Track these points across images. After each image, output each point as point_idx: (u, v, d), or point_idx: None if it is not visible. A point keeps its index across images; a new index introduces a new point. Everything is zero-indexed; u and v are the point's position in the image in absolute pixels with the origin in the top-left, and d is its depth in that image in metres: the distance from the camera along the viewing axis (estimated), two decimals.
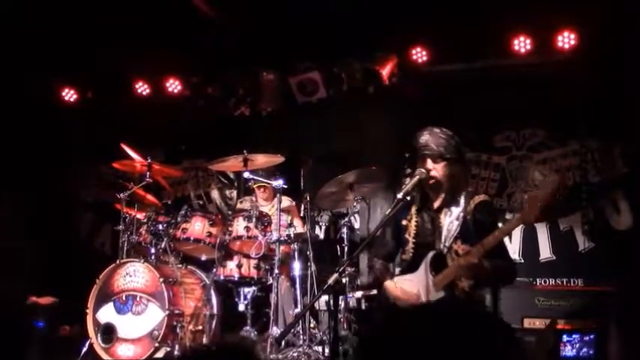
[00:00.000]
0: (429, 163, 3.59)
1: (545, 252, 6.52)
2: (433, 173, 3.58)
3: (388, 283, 3.62)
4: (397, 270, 3.70)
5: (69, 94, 7.91)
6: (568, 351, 4.94)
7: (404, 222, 3.69)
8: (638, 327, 4.95)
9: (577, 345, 4.94)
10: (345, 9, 6.44)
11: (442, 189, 3.62)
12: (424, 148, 3.61)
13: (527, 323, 5.54)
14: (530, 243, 6.52)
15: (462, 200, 3.57)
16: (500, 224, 3.65)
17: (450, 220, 3.54)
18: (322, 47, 6.86)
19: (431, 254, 3.50)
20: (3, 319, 5.79)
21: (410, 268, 3.57)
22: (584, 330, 4.96)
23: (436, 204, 3.64)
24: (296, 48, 6.94)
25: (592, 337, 4.92)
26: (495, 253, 3.34)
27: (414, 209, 3.69)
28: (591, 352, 4.88)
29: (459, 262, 3.35)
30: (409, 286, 3.51)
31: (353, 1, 6.40)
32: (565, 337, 5.01)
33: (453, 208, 3.56)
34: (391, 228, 3.78)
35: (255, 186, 6.07)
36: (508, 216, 6.54)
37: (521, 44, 6.40)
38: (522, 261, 6.52)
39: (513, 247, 6.51)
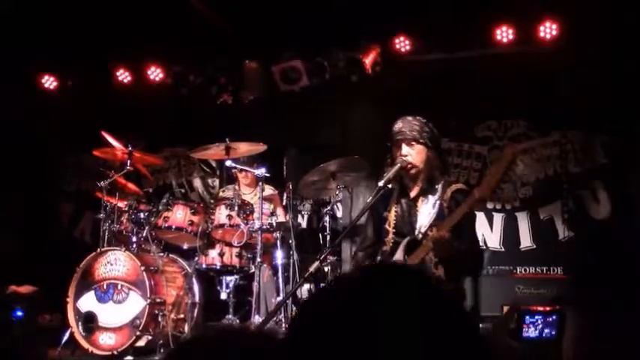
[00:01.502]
0: (404, 148, 3.63)
1: (526, 240, 6.58)
2: (408, 158, 3.61)
3: None
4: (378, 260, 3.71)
5: (48, 82, 7.81)
6: (531, 332, 5.02)
7: (385, 214, 3.72)
8: (589, 309, 5.12)
9: (540, 326, 5.04)
10: None
11: (419, 177, 3.64)
12: (398, 133, 3.67)
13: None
14: (510, 232, 6.59)
15: (440, 188, 3.61)
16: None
17: (427, 208, 3.58)
18: (305, 36, 6.83)
19: (406, 240, 3.53)
20: None
21: (389, 257, 3.60)
22: (547, 312, 5.06)
23: (413, 193, 3.67)
24: (279, 36, 6.91)
25: (554, 317, 5.02)
26: (464, 237, 3.38)
27: (393, 200, 3.71)
28: (553, 332, 4.99)
29: (432, 235, 3.38)
30: None
31: None
32: (528, 319, 5.09)
33: (430, 196, 3.61)
34: (372, 221, 3.80)
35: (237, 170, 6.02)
36: (489, 205, 6.59)
37: (504, 34, 6.42)
38: (503, 249, 6.59)
39: (494, 235, 6.57)
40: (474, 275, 3.67)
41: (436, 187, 3.62)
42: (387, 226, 3.69)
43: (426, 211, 3.57)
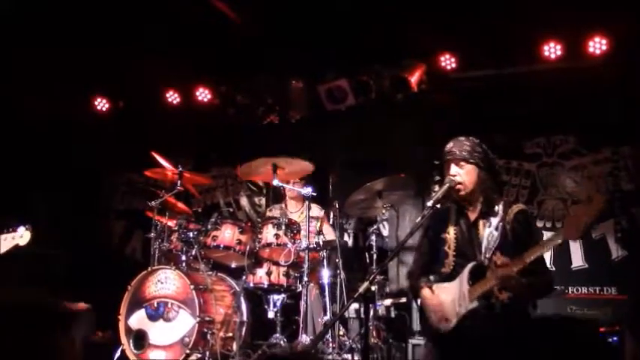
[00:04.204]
0: (453, 168, 3.58)
1: (578, 260, 6.43)
2: (457, 178, 3.56)
3: (425, 292, 3.60)
4: (433, 278, 3.66)
5: (101, 104, 8.05)
6: None
7: (442, 235, 3.66)
8: None
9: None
10: (372, 17, 6.45)
11: (475, 198, 3.59)
12: (448, 154, 3.63)
13: None
14: (562, 251, 6.44)
15: (500, 210, 3.54)
16: (544, 235, 3.61)
17: (490, 231, 3.49)
18: (351, 55, 6.87)
19: (471, 265, 3.45)
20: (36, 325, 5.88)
21: (448, 278, 3.54)
22: (608, 332, 4.96)
23: (473, 215, 3.60)
24: (324, 56, 6.97)
25: (615, 339, 4.93)
26: (534, 266, 3.30)
27: (451, 222, 3.66)
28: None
29: (497, 273, 3.31)
30: (445, 292, 3.49)
31: (381, 8, 6.41)
32: None
33: (492, 219, 3.52)
34: (427, 241, 3.75)
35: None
36: (539, 223, 6.48)
37: (552, 50, 6.35)
38: (554, 269, 6.44)
39: (545, 254, 6.43)
40: (543, 296, 3.59)
41: (496, 208, 3.55)
42: (446, 248, 3.62)
43: (490, 235, 3.49)
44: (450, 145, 3.64)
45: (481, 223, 3.55)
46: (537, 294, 3.52)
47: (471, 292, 3.38)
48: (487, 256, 3.45)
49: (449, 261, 3.58)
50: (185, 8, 6.47)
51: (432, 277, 3.63)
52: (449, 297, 3.45)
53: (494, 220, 3.51)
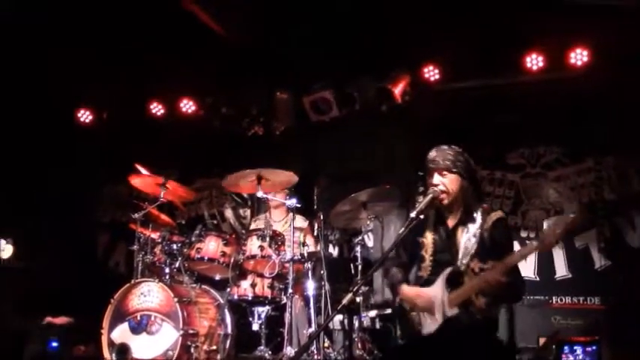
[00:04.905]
0: (436, 177, 3.60)
1: (561, 270, 6.47)
2: (440, 187, 3.57)
3: (405, 287, 3.60)
4: (411, 282, 3.67)
5: (84, 115, 8.00)
6: None
7: (419, 239, 3.67)
8: (624, 340, 5.09)
9: (579, 357, 4.98)
10: (357, 28, 6.49)
11: (455, 206, 3.60)
12: (431, 162, 3.64)
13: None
14: (545, 261, 6.48)
15: (479, 217, 3.55)
16: (516, 245, 3.64)
17: (467, 237, 3.52)
18: (335, 66, 6.89)
19: (448, 270, 3.47)
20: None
21: (426, 283, 3.55)
22: (587, 342, 4.99)
23: (451, 221, 3.62)
24: (309, 67, 6.99)
25: (594, 348, 4.96)
26: (510, 271, 3.32)
27: (429, 227, 3.67)
28: None
29: (486, 277, 3.31)
30: (427, 291, 3.50)
31: (365, 20, 6.45)
32: (566, 349, 5.03)
33: (470, 225, 3.54)
34: (403, 244, 3.74)
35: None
36: (523, 234, 6.51)
37: (534, 61, 6.41)
38: (538, 279, 6.47)
39: (529, 264, 6.46)
40: (513, 303, 3.63)
41: (475, 215, 3.57)
42: (423, 252, 3.64)
43: (467, 241, 3.51)
44: (432, 154, 3.64)
45: (459, 229, 3.57)
46: (511, 296, 3.56)
47: (450, 299, 3.38)
48: (464, 262, 3.47)
49: (426, 265, 3.60)
50: (170, 20, 6.47)
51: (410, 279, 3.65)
52: (430, 294, 3.46)
53: (473, 227, 3.53)
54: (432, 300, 3.44)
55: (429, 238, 3.64)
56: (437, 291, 3.45)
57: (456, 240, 3.55)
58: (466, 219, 3.56)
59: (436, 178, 3.59)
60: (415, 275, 3.65)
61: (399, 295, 3.61)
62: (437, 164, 3.60)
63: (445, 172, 3.58)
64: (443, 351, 3.35)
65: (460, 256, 3.50)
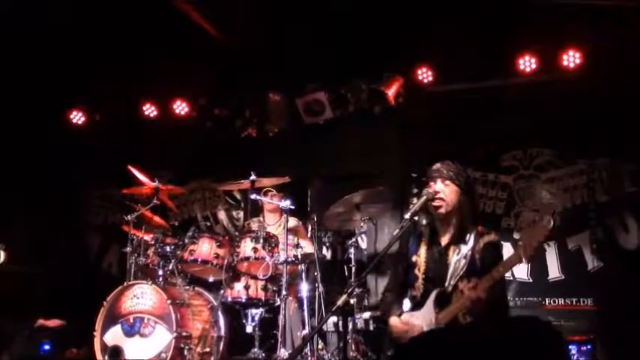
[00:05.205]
0: (438, 184, 3.65)
1: (554, 271, 6.48)
2: (440, 195, 3.61)
3: (393, 320, 3.66)
4: (406, 305, 3.71)
5: (77, 117, 7.97)
6: None
7: (414, 258, 3.72)
8: (624, 341, 5.12)
9: (574, 356, 5.00)
10: (350, 30, 6.49)
11: (450, 221, 3.64)
12: (435, 171, 3.73)
13: None
14: (538, 262, 6.49)
15: (472, 238, 3.59)
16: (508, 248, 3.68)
17: (458, 258, 3.56)
18: (328, 68, 6.90)
19: (435, 292, 3.53)
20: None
21: (419, 304, 3.60)
22: (581, 341, 5.02)
23: (444, 240, 3.66)
24: (302, 69, 6.99)
25: (589, 347, 4.99)
26: (492, 289, 3.36)
27: (423, 245, 3.71)
28: None
29: (469, 295, 3.35)
30: (415, 319, 3.55)
31: (358, 22, 6.45)
32: None
33: (462, 246, 3.59)
34: (401, 263, 3.81)
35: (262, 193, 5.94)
36: (516, 235, 6.52)
37: (527, 63, 6.43)
38: (531, 280, 6.49)
39: (522, 266, 6.47)
40: (496, 324, 3.61)
41: (467, 237, 3.61)
42: (416, 271, 3.69)
43: (457, 262, 3.55)
44: (437, 165, 3.75)
45: (451, 249, 3.62)
46: (494, 318, 3.57)
47: (438, 319, 3.44)
48: (452, 282, 3.52)
49: (418, 284, 3.67)
50: (163, 20, 6.46)
51: (405, 303, 3.68)
52: (417, 326, 3.50)
53: (465, 248, 3.58)
54: (420, 328, 3.47)
55: (421, 256, 3.69)
56: (425, 314, 3.52)
57: (447, 260, 3.60)
58: (459, 239, 3.61)
59: (438, 185, 3.66)
60: (409, 294, 3.69)
61: (389, 328, 3.66)
62: (440, 173, 3.70)
63: (448, 182, 3.66)
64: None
65: (449, 276, 3.54)
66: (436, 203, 3.62)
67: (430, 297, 3.53)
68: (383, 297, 3.83)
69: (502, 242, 3.87)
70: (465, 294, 3.39)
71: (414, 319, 3.56)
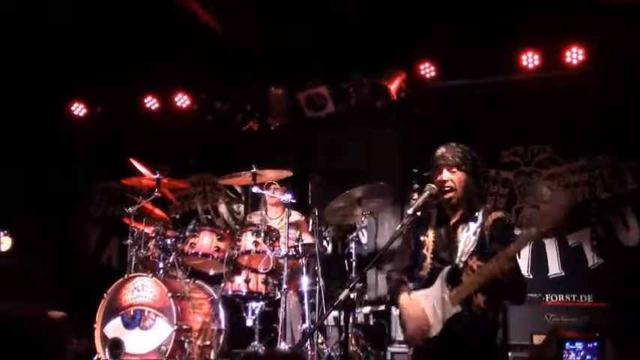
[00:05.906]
0: (445, 173, 3.56)
1: (554, 267, 6.49)
2: (449, 184, 3.54)
3: (403, 298, 3.57)
4: (412, 285, 3.64)
5: (78, 109, 7.96)
6: (572, 359, 4.96)
7: (422, 237, 3.65)
8: (627, 339, 5.10)
9: (581, 353, 4.98)
10: (353, 24, 6.48)
11: (459, 204, 3.58)
12: (440, 158, 3.59)
13: (537, 340, 5.49)
14: (538, 258, 6.50)
15: (480, 216, 3.54)
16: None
17: (467, 236, 3.50)
18: (330, 62, 6.89)
19: (447, 269, 3.46)
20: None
21: (427, 283, 3.53)
22: (588, 338, 5.00)
23: (453, 220, 3.60)
24: (304, 63, 6.97)
25: (595, 344, 4.97)
26: (511, 264, 3.31)
27: (431, 225, 3.65)
28: (595, 359, 4.94)
29: (489, 268, 3.29)
30: (424, 301, 3.48)
31: (361, 16, 6.44)
32: (568, 346, 5.03)
33: (471, 224, 3.52)
34: (408, 244, 3.73)
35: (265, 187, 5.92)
36: (517, 231, 6.51)
37: (530, 60, 6.43)
38: (531, 276, 6.49)
39: (522, 262, 6.47)
40: (516, 303, 3.58)
41: (476, 214, 3.54)
42: (424, 250, 3.60)
43: (467, 239, 3.49)
44: (442, 150, 3.60)
45: (460, 227, 3.55)
46: (513, 294, 3.54)
47: (451, 297, 3.37)
48: (463, 259, 3.45)
49: (426, 264, 3.57)
50: (164, 15, 6.45)
51: (411, 285, 3.62)
52: (428, 303, 3.44)
53: (473, 226, 3.51)
54: (425, 318, 3.42)
55: (430, 236, 3.61)
56: (436, 292, 3.44)
57: (456, 238, 3.53)
58: (468, 217, 3.54)
59: (445, 174, 3.55)
60: (416, 275, 3.63)
61: (398, 306, 3.60)
62: (446, 160, 3.56)
63: (454, 169, 3.54)
64: (445, 350, 3.36)
65: (459, 253, 3.48)
66: (447, 195, 3.53)
67: (440, 275, 3.46)
68: (389, 276, 3.74)
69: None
70: (483, 268, 3.31)
71: (424, 299, 3.48)
